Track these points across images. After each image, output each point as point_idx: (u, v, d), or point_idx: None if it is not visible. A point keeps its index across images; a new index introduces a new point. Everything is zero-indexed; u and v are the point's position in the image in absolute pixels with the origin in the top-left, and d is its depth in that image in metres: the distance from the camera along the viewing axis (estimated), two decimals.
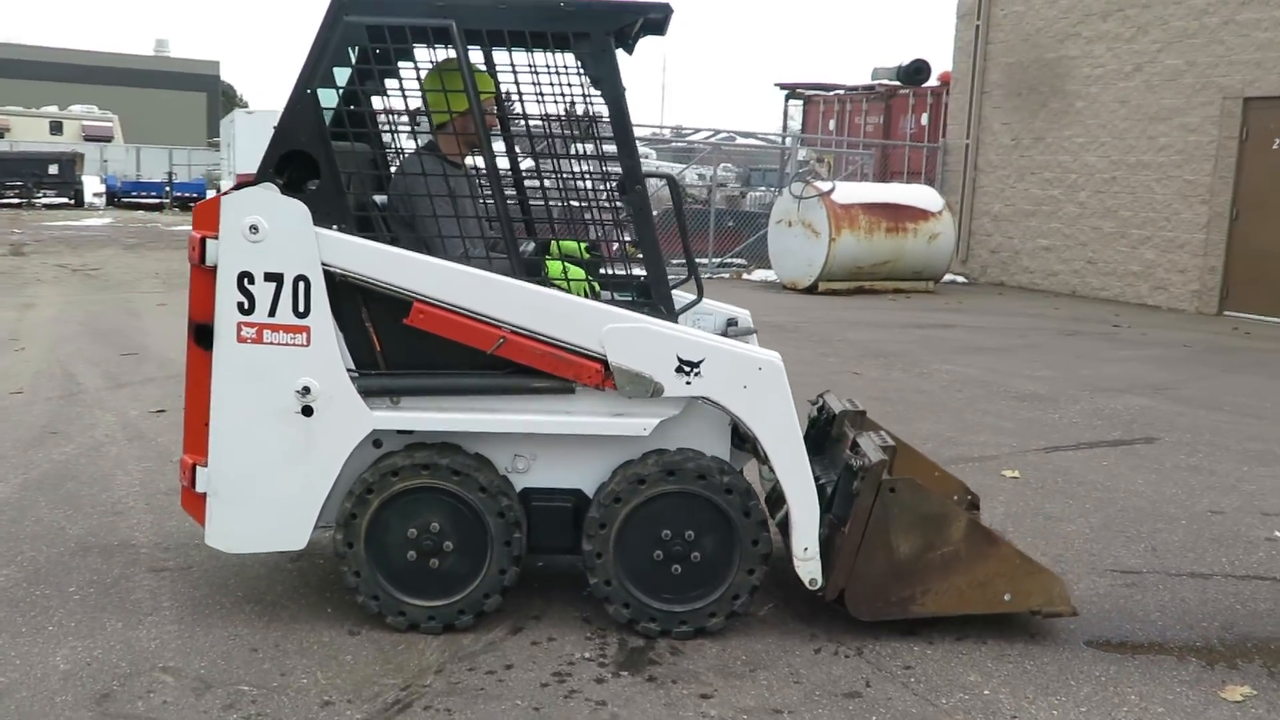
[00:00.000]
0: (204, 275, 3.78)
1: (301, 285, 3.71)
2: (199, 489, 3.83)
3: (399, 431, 3.87)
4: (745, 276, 17.14)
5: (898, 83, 22.04)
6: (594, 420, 3.84)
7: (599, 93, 3.81)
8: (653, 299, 3.90)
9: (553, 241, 4.51)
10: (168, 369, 8.36)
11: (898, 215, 15.08)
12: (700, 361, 3.77)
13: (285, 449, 3.78)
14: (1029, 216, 16.46)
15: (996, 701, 3.54)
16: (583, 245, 4.45)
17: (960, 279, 17.20)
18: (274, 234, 3.69)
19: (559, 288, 3.91)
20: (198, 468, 3.83)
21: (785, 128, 24.89)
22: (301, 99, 3.72)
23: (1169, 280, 14.43)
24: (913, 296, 15.24)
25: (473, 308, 3.76)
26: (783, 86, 24.94)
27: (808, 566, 3.88)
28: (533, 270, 3.90)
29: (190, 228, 3.81)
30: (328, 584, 4.27)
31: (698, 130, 14.35)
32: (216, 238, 3.71)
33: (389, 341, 3.84)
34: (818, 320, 12.44)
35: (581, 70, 3.89)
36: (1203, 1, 13.83)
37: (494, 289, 3.77)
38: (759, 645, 3.90)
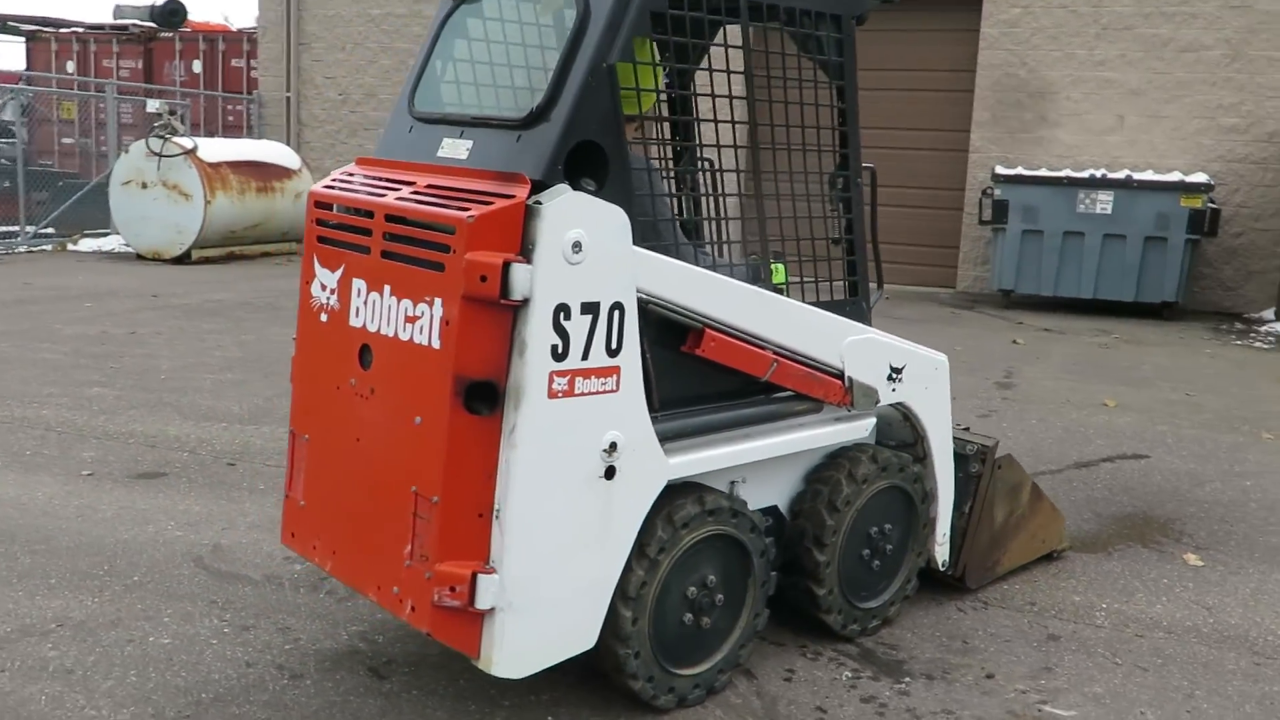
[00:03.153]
0: (486, 315, 2.73)
1: (616, 315, 2.90)
2: (484, 604, 2.80)
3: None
4: (71, 247, 14.63)
5: (151, 24, 20.11)
6: (831, 430, 3.63)
7: (831, 78, 3.52)
8: (858, 298, 3.74)
9: None
10: None
11: (265, 174, 14.13)
12: (903, 367, 3.76)
13: (584, 525, 2.95)
14: None
15: (1120, 611, 4.21)
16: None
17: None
18: (595, 252, 2.82)
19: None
20: (479, 577, 2.79)
21: None
22: (596, 75, 2.85)
23: None
24: (292, 260, 14.46)
25: (753, 330, 3.29)
26: None
27: (943, 550, 4.11)
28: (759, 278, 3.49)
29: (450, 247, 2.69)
30: (464, 683, 3.35)
31: None
32: (524, 261, 2.71)
33: (659, 376, 3.17)
34: (261, 293, 11.34)
35: (812, 54, 3.52)
36: None
37: (772, 308, 3.34)
38: (925, 620, 4.06)
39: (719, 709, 3.34)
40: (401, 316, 2.89)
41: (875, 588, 3.89)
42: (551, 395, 2.80)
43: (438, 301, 2.77)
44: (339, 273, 3.12)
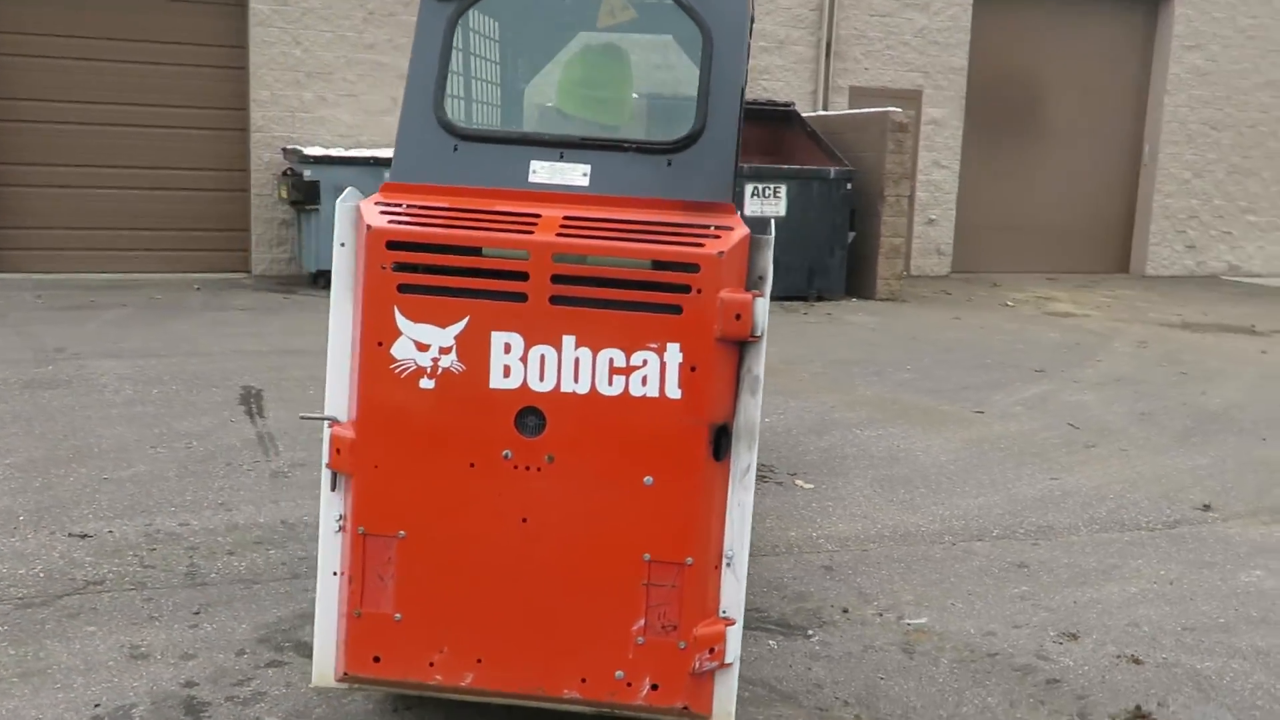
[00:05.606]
0: (726, 356, 2.54)
1: None
2: (732, 657, 2.65)
3: None
4: None
5: None
6: None
7: None
8: None
9: None
10: None
11: None
12: None
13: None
14: None
15: (831, 536, 5.08)
16: None
17: None
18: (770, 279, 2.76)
19: None
20: (730, 632, 2.62)
21: None
22: (741, 94, 2.74)
23: None
24: None
25: None
26: None
27: None
28: None
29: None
30: None
31: None
32: (760, 294, 2.57)
33: None
34: None
35: None
36: None
37: None
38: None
39: (745, 707, 3.46)
40: (603, 369, 2.52)
41: None
42: None
43: (673, 347, 2.50)
44: (458, 327, 2.54)
